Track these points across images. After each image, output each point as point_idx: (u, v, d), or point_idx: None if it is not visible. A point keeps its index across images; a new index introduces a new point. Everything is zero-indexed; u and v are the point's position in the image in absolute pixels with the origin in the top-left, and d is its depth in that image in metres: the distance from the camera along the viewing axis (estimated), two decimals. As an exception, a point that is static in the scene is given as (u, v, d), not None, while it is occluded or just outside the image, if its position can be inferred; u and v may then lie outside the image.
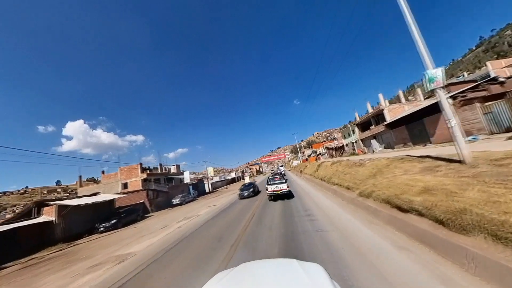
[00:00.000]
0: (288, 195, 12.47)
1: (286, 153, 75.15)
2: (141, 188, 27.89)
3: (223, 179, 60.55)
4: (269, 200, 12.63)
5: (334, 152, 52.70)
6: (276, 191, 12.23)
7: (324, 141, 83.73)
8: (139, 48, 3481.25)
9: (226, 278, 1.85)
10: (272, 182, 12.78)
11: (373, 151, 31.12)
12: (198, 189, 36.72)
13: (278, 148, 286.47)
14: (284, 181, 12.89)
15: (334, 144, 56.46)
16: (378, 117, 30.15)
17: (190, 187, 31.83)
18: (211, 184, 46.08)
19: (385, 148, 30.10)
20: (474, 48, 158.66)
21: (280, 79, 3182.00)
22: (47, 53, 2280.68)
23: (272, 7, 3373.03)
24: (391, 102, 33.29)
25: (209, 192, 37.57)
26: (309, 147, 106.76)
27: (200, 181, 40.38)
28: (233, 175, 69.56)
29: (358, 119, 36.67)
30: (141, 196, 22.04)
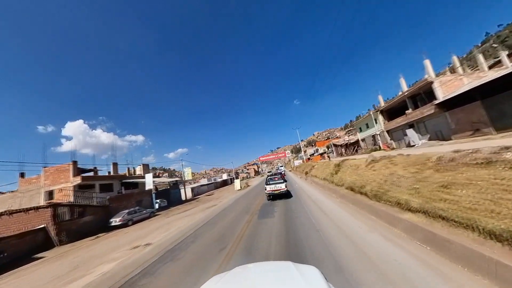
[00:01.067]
0: (287, 195, 12.77)
1: (286, 152, 66.06)
2: (72, 199, 18.65)
3: (211, 181, 50.90)
4: (268, 200, 12.74)
5: (343, 150, 43.91)
6: (274, 190, 12.43)
7: (327, 139, 74.95)
8: (139, 48, 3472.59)
9: (222, 281, 1.79)
10: (271, 182, 12.98)
11: (411, 145, 22.14)
12: (170, 198, 27.29)
13: (278, 148, 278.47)
14: (282, 181, 12.97)
15: (344, 140, 47.51)
16: (420, 96, 21.19)
17: (153, 195, 22.58)
18: (193, 189, 36.46)
19: (430, 140, 21.20)
20: (479, 44, 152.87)
21: (280, 79, 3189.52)
22: (48, 53, 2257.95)
23: (272, 7, 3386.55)
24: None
25: (186, 201, 28.26)
26: (311, 146, 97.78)
27: (175, 186, 30.84)
28: (224, 177, 59.92)
29: (383, 104, 27.69)
30: (42, 217, 12.83)
